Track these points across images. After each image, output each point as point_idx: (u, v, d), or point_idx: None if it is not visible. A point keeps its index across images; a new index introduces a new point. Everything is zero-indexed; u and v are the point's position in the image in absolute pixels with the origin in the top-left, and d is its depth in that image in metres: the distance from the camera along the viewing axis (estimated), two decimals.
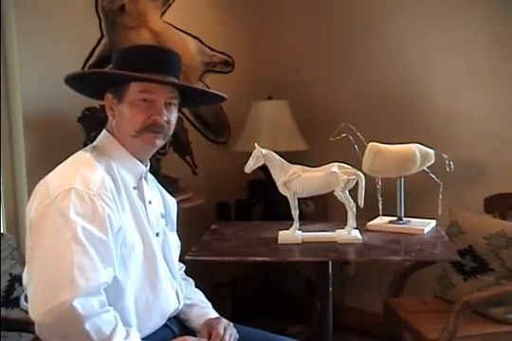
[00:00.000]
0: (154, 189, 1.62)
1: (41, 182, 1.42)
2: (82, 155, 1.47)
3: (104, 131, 1.53)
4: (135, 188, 1.50)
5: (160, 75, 1.45)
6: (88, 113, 2.41)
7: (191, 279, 1.75)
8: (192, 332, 1.57)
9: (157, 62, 1.47)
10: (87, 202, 1.33)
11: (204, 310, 1.64)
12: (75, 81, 1.53)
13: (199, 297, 1.70)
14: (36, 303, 1.27)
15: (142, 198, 1.51)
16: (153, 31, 2.83)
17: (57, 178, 1.40)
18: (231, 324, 1.58)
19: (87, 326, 1.24)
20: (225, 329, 1.53)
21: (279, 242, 1.86)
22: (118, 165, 1.47)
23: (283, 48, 3.28)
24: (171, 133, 1.52)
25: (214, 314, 1.64)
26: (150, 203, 1.53)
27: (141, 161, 1.53)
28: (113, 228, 1.35)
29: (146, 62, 1.45)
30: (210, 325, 1.55)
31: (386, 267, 2.51)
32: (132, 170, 1.50)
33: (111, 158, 1.47)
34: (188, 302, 1.64)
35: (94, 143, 1.53)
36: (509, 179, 2.57)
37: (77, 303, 1.23)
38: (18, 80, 2.37)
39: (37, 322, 1.25)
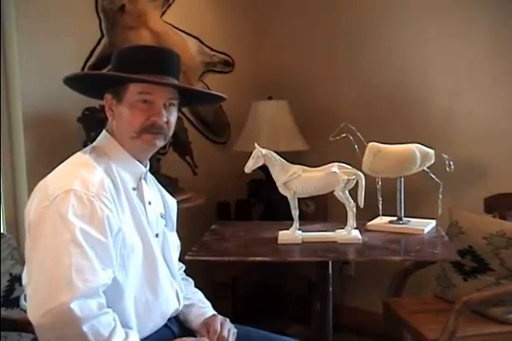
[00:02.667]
0: (153, 190, 1.62)
1: (40, 183, 1.42)
2: (82, 156, 1.47)
3: (104, 131, 1.53)
4: (134, 188, 1.50)
5: (159, 75, 1.45)
6: (88, 113, 2.41)
7: (190, 279, 1.75)
8: (193, 333, 1.57)
9: (156, 62, 1.46)
10: (86, 203, 1.32)
11: (202, 310, 1.64)
12: (74, 82, 1.53)
13: (198, 297, 1.70)
14: (34, 305, 1.27)
15: (142, 199, 1.51)
16: (153, 31, 2.83)
17: (56, 179, 1.40)
18: (227, 319, 1.58)
19: (85, 328, 1.23)
20: (221, 325, 1.54)
21: (279, 242, 1.86)
22: (117, 166, 1.47)
23: (283, 48, 3.28)
24: (171, 133, 1.52)
25: (212, 314, 1.63)
26: (149, 203, 1.53)
27: (141, 162, 1.53)
28: (112, 230, 1.35)
29: (145, 63, 1.45)
30: (207, 324, 1.56)
31: (386, 267, 2.51)
32: (131, 171, 1.50)
33: (110, 159, 1.47)
34: (186, 303, 1.64)
35: (93, 144, 1.53)
36: (509, 179, 2.57)
37: (75, 305, 1.22)
38: (18, 80, 2.37)
39: (35, 324, 1.25)
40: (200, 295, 1.72)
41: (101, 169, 1.43)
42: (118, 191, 1.43)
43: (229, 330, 1.55)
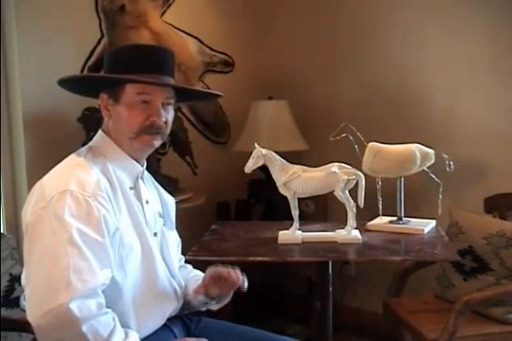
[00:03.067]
0: (151, 189, 1.62)
1: (37, 184, 1.42)
2: (78, 157, 1.47)
3: (100, 131, 1.53)
4: (131, 188, 1.49)
5: (155, 75, 1.44)
6: (88, 113, 2.41)
7: (187, 265, 1.74)
8: (193, 333, 1.57)
9: (151, 62, 1.46)
10: (82, 203, 1.32)
11: (198, 281, 1.60)
12: (69, 84, 1.52)
13: (193, 274, 1.68)
14: (33, 306, 1.27)
15: (139, 198, 1.51)
16: (153, 31, 2.83)
17: (52, 180, 1.39)
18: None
19: (84, 328, 1.23)
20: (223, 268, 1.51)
21: (279, 242, 1.86)
22: (113, 165, 1.47)
23: (283, 48, 3.28)
24: (168, 132, 1.52)
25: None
26: (147, 202, 1.53)
27: (138, 161, 1.52)
28: (109, 229, 1.35)
29: (140, 63, 1.44)
30: (205, 279, 1.53)
31: (386, 267, 2.51)
32: (128, 171, 1.50)
33: (107, 159, 1.47)
34: (184, 284, 1.61)
35: (90, 143, 1.53)
36: (509, 179, 2.57)
37: (73, 305, 1.23)
38: (18, 81, 2.37)
39: (34, 324, 1.25)
40: (196, 272, 1.70)
41: (98, 168, 1.43)
42: (114, 191, 1.42)
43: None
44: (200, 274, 1.68)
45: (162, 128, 1.47)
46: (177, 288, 1.57)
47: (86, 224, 1.31)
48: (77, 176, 1.37)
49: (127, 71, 1.43)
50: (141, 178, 1.54)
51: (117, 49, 1.57)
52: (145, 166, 1.57)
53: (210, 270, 1.53)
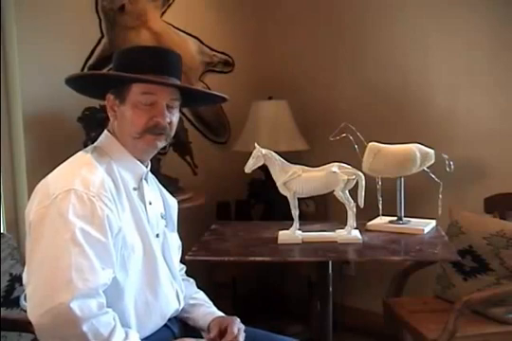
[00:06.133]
0: (154, 190, 1.62)
1: (41, 182, 1.42)
2: (83, 156, 1.47)
3: (106, 131, 1.53)
4: (135, 188, 1.50)
5: (161, 76, 1.45)
6: (88, 113, 2.41)
7: (191, 280, 1.75)
8: (192, 333, 1.57)
9: (159, 62, 1.46)
10: (86, 203, 1.32)
11: (209, 309, 1.64)
12: (76, 82, 1.53)
13: (203, 297, 1.70)
14: (34, 304, 1.27)
15: (142, 199, 1.51)
16: (153, 31, 2.83)
17: (57, 179, 1.40)
18: (243, 327, 1.57)
19: (85, 328, 1.23)
20: (238, 330, 1.53)
21: (279, 242, 1.86)
22: (118, 165, 1.47)
23: (283, 48, 3.28)
24: (172, 134, 1.52)
25: (220, 314, 1.64)
26: (150, 203, 1.53)
27: (142, 162, 1.52)
28: (112, 229, 1.35)
29: (147, 63, 1.45)
30: (221, 323, 1.55)
31: (386, 267, 2.51)
32: (132, 171, 1.50)
33: (112, 159, 1.47)
34: (192, 302, 1.64)
35: (95, 143, 1.53)
36: (509, 179, 2.57)
37: (74, 305, 1.23)
38: (18, 81, 2.37)
39: (35, 324, 1.25)
40: (204, 294, 1.72)
41: (102, 168, 1.43)
42: (118, 191, 1.43)
43: (243, 336, 1.54)
44: (207, 299, 1.69)
45: (166, 129, 1.47)
46: (178, 289, 1.57)
47: (90, 224, 1.31)
48: (82, 175, 1.37)
49: (134, 72, 1.43)
50: (145, 179, 1.54)
51: (125, 50, 1.56)
52: (149, 167, 1.57)
53: (229, 326, 1.53)
